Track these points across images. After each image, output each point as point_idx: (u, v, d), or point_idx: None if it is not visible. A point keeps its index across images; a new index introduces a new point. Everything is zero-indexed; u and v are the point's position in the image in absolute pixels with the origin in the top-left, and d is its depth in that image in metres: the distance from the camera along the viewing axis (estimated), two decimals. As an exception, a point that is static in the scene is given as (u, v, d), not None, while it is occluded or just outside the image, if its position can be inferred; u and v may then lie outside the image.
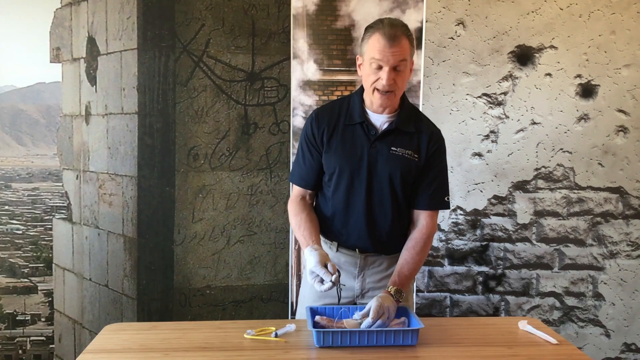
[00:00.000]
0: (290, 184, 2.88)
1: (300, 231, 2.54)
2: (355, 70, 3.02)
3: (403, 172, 2.49)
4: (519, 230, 4.30)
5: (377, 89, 2.40)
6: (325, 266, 2.33)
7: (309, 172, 2.61)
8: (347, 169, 2.50)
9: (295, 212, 2.61)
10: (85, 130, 4.38)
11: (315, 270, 2.32)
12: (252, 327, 2.41)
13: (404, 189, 2.52)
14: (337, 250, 2.62)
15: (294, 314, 3.60)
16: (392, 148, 2.49)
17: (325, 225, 2.63)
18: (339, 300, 2.40)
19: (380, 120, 2.51)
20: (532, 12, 4.16)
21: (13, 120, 4.75)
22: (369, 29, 2.42)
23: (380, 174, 2.49)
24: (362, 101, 2.54)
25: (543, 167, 4.26)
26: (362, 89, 2.57)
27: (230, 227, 4.10)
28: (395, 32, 2.35)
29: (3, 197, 4.53)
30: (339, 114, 2.55)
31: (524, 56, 4.20)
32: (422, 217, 2.58)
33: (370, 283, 2.61)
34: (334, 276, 2.30)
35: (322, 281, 2.32)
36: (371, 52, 2.37)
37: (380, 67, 2.37)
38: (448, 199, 2.61)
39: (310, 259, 2.36)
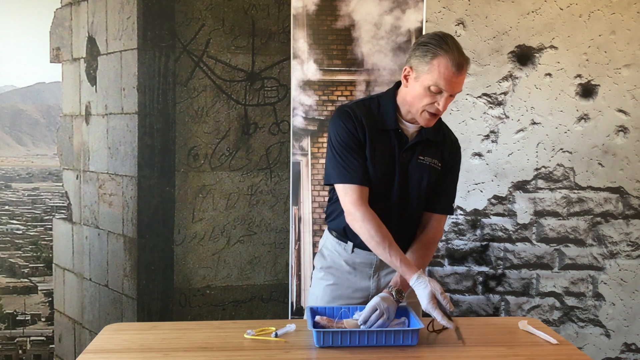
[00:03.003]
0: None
1: (396, 254, 2.39)
2: (355, 70, 3.02)
3: (430, 180, 2.51)
4: (519, 230, 4.30)
5: (428, 111, 2.37)
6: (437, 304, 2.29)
7: (359, 167, 2.45)
8: (380, 174, 2.46)
9: (376, 226, 2.42)
10: (85, 130, 4.39)
11: (428, 310, 2.29)
12: (252, 327, 2.41)
13: (426, 196, 2.55)
14: (353, 251, 2.60)
15: (294, 313, 3.61)
16: (420, 157, 2.48)
17: (344, 227, 2.58)
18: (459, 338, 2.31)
19: (411, 128, 2.49)
20: (532, 12, 4.16)
21: (13, 120, 4.77)
22: (432, 47, 2.31)
23: (410, 181, 2.49)
24: (396, 108, 2.49)
25: (543, 167, 4.26)
26: (394, 93, 2.51)
27: (230, 227, 4.11)
28: (462, 60, 2.31)
29: (3, 197, 4.54)
30: (373, 116, 2.48)
31: (524, 56, 4.20)
32: (431, 220, 2.60)
33: (385, 283, 2.57)
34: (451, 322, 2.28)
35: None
36: (435, 76, 2.29)
37: (439, 92, 2.32)
38: (453, 204, 2.66)
39: (434, 286, 2.31)
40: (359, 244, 2.58)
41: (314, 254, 3.15)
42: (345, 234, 2.61)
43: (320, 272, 2.68)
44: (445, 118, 4.16)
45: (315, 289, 2.71)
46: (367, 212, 2.42)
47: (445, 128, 2.61)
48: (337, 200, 2.56)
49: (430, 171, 2.50)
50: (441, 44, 2.31)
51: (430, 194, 2.55)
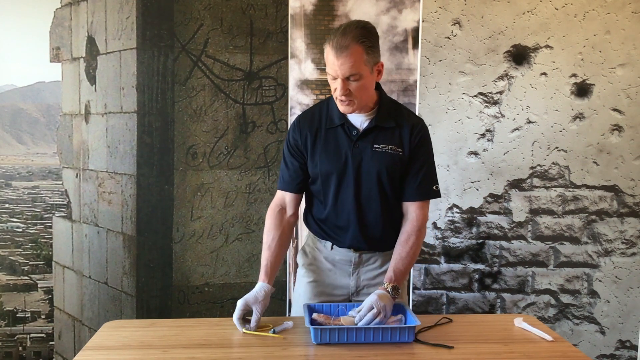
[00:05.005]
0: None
1: (265, 255, 2.58)
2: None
3: (389, 168, 2.49)
4: (515, 228, 4.33)
5: (337, 97, 2.41)
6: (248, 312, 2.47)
7: (293, 177, 2.62)
8: (333, 171, 2.51)
9: (269, 227, 2.62)
10: (85, 129, 4.40)
11: (253, 307, 2.48)
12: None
13: (391, 185, 2.52)
14: (332, 248, 2.64)
15: (291, 311, 3.63)
16: (375, 145, 2.49)
17: (318, 227, 2.65)
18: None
19: (359, 119, 2.51)
20: (528, 12, 4.19)
21: (13, 119, 4.75)
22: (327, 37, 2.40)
23: (366, 172, 2.50)
24: None
25: (538, 165, 4.29)
26: None
27: (229, 225, 4.13)
28: (344, 41, 2.30)
29: (3, 195, 4.54)
30: (320, 119, 2.55)
31: (519, 55, 4.23)
32: (411, 209, 2.57)
33: (365, 281, 2.63)
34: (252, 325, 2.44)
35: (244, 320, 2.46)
36: (326, 63, 2.38)
37: (335, 78, 2.36)
38: (437, 187, 2.58)
39: (255, 295, 2.50)
40: (337, 243, 2.63)
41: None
42: (321, 233, 2.66)
43: (302, 269, 2.72)
44: (442, 117, 4.20)
45: (298, 286, 2.75)
46: (269, 218, 2.64)
47: (404, 112, 2.58)
48: (309, 201, 2.70)
49: (389, 158, 2.49)
50: (332, 32, 2.38)
51: (403, 181, 2.55)
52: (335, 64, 2.32)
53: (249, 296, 2.46)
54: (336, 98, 2.42)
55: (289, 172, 2.63)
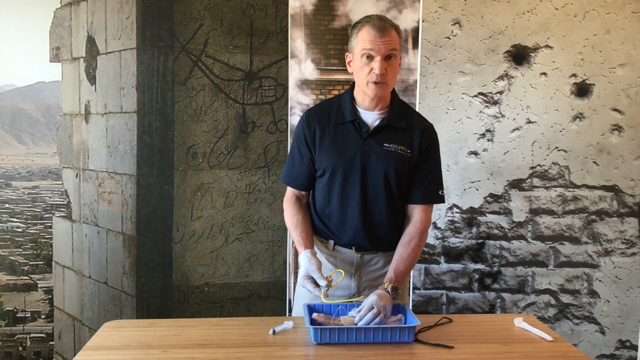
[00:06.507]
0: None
1: (297, 232, 2.58)
2: (353, 70, 3.03)
3: (397, 168, 2.50)
4: (515, 228, 4.33)
5: (370, 81, 2.43)
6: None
7: (299, 172, 2.63)
8: (340, 167, 2.52)
9: (291, 213, 2.64)
10: (85, 129, 4.41)
11: (313, 275, 2.41)
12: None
13: (398, 185, 2.53)
14: (334, 248, 2.64)
15: (291, 311, 3.63)
16: (385, 144, 2.50)
17: (322, 224, 2.64)
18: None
19: (371, 117, 2.53)
20: (528, 11, 4.19)
21: (13, 119, 4.76)
22: (357, 24, 2.47)
23: (374, 170, 2.51)
24: (353, 99, 2.56)
25: (538, 165, 4.29)
26: (352, 88, 2.59)
27: (229, 225, 4.13)
28: (384, 24, 2.41)
29: (3, 195, 4.54)
30: (330, 114, 2.57)
31: (519, 55, 4.23)
32: (416, 212, 2.58)
33: (367, 282, 2.62)
34: (325, 286, 2.39)
35: (315, 284, 2.41)
36: (362, 43, 2.41)
37: (371, 58, 2.40)
38: (442, 192, 2.61)
39: (308, 264, 2.44)
40: (339, 241, 2.63)
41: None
42: (324, 231, 2.66)
43: None
44: (442, 117, 4.20)
45: (299, 287, 2.74)
46: (288, 206, 2.67)
47: (414, 115, 2.62)
48: (313, 196, 2.70)
49: (398, 158, 2.51)
50: (363, 19, 2.47)
51: (409, 183, 2.56)
52: (378, 41, 2.38)
53: (303, 271, 2.46)
54: (367, 83, 2.44)
55: (295, 168, 2.65)
